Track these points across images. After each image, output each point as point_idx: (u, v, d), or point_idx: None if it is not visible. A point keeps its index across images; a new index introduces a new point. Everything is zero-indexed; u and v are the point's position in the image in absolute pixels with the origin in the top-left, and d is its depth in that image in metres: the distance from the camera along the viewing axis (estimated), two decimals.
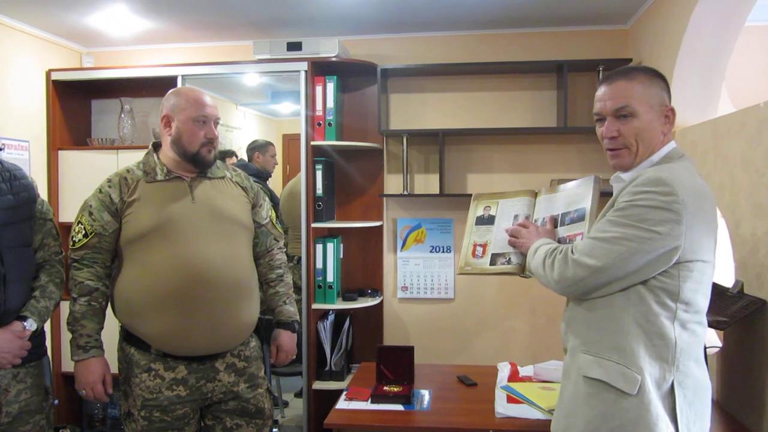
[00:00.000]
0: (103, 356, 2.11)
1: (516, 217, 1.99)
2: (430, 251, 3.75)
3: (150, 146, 2.23)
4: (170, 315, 2.04)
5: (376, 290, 3.73)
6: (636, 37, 3.47)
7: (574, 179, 1.94)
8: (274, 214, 2.44)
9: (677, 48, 2.78)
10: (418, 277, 3.76)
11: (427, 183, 3.75)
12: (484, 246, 2.00)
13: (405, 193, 3.63)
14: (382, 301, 3.76)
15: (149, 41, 3.87)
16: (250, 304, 2.21)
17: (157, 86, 3.52)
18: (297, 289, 3.46)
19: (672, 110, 1.63)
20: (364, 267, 3.81)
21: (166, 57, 3.92)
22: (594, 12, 3.36)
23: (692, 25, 2.67)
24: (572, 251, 1.59)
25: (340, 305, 3.49)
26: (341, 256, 3.66)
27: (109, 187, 2.11)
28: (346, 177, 3.81)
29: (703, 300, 1.56)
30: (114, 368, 2.15)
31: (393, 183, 3.78)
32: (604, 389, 1.55)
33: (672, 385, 1.52)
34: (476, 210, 2.12)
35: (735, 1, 2.56)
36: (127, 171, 2.15)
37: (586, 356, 1.60)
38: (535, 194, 2.04)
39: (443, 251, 3.74)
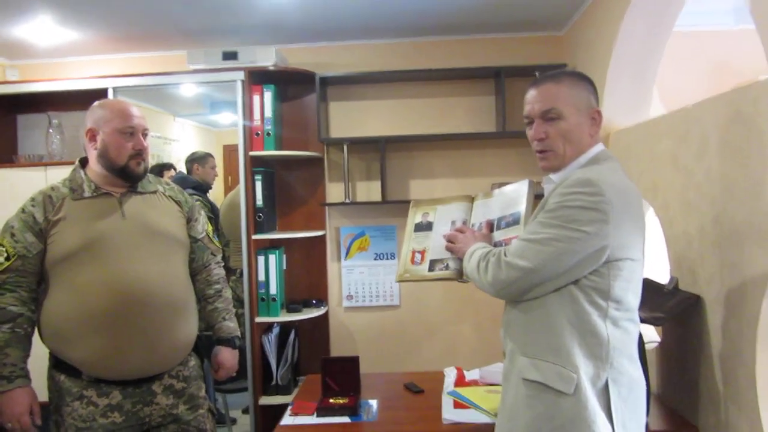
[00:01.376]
0: (30, 386, 1.98)
1: (453, 222, 1.98)
2: (375, 259, 3.72)
3: (76, 162, 2.13)
4: (102, 338, 1.94)
5: (321, 300, 3.68)
6: (570, 43, 3.53)
7: (511, 182, 1.95)
8: (210, 228, 2.37)
9: (609, 53, 2.83)
10: (363, 285, 3.72)
11: (370, 190, 3.72)
12: (422, 252, 1.98)
13: (347, 201, 3.59)
14: (327, 311, 3.71)
15: (77, 53, 3.73)
16: (187, 323, 2.13)
17: (87, 99, 3.31)
18: (240, 302, 3.39)
19: (598, 112, 1.65)
20: (308, 277, 3.76)
21: (97, 69, 3.78)
22: (529, 19, 3.41)
23: (623, 31, 2.73)
24: (505, 254, 1.60)
25: (285, 317, 3.43)
26: (284, 268, 3.59)
27: (33, 206, 2.00)
28: (287, 187, 3.75)
29: (633, 298, 1.58)
30: (43, 396, 2.03)
31: (335, 191, 3.74)
32: (542, 390, 1.56)
33: (606, 383, 1.53)
34: (415, 217, 2.10)
35: (662, 8, 2.62)
36: (52, 189, 2.04)
37: (524, 359, 1.61)
38: (472, 199, 2.03)
39: (387, 258, 3.72)
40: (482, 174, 3.69)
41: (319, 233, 3.64)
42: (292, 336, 3.44)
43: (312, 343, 3.71)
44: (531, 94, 1.68)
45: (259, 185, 3.39)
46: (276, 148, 3.45)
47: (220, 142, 4.51)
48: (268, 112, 3.41)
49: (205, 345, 2.36)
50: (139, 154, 2.06)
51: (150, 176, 2.19)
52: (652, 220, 2.62)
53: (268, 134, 3.41)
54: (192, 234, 2.25)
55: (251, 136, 3.41)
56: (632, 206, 1.55)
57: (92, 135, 2.06)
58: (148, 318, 1.99)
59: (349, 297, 3.73)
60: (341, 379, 2.54)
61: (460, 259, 1.83)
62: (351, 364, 2.58)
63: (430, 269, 1.93)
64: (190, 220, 2.25)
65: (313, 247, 3.74)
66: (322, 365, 2.56)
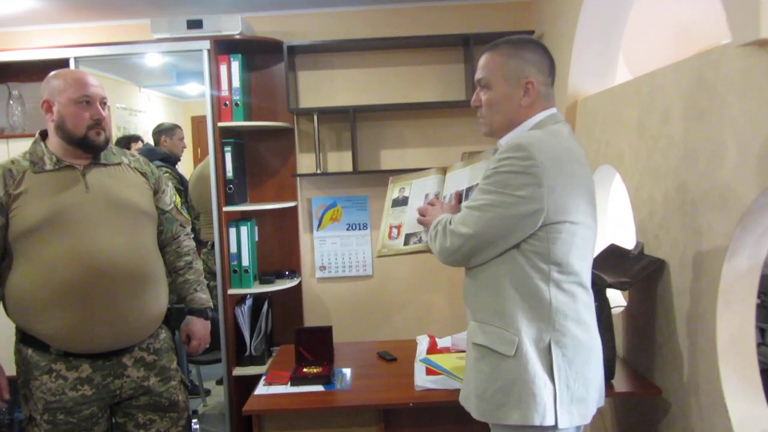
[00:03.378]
0: None
1: (427, 196, 2.02)
2: (347, 229, 3.72)
3: (37, 134, 2.08)
4: (69, 312, 1.92)
5: (294, 271, 3.68)
6: (538, 10, 3.52)
7: (483, 151, 1.97)
8: (179, 200, 2.35)
9: (576, 19, 2.83)
10: (335, 255, 3.73)
11: (341, 161, 3.70)
12: (398, 227, 2.03)
13: (318, 171, 3.58)
14: (300, 282, 3.71)
15: (37, 21, 3.61)
16: (157, 295, 2.13)
17: (48, 70, 3.19)
18: (212, 275, 3.38)
19: (531, 83, 1.65)
20: (280, 249, 3.75)
21: (58, 38, 3.67)
22: None
23: None
24: (450, 222, 1.65)
25: (258, 289, 3.42)
26: (256, 239, 3.58)
27: None
28: (258, 158, 3.72)
29: (578, 261, 1.61)
30: (10, 371, 2.02)
31: (305, 162, 3.71)
32: (487, 354, 1.62)
33: (549, 344, 1.58)
34: (392, 193, 2.15)
35: None
36: (12, 162, 2.00)
37: (474, 323, 1.68)
38: (445, 171, 2.06)
39: (360, 228, 3.72)
40: (453, 143, 3.69)
41: (291, 204, 3.62)
42: (265, 307, 3.44)
43: (285, 314, 3.72)
44: (479, 61, 1.74)
45: (228, 157, 3.35)
46: (245, 119, 3.40)
47: (187, 113, 4.44)
48: (236, 82, 3.35)
49: (176, 318, 2.36)
50: (98, 123, 2.02)
51: (114, 148, 2.16)
52: (618, 187, 2.66)
53: (237, 105, 3.36)
54: (159, 206, 2.23)
55: (219, 106, 3.36)
56: (569, 168, 1.57)
57: (48, 107, 2.02)
58: (116, 291, 1.97)
59: (322, 268, 3.73)
60: (315, 349, 2.57)
61: None
62: (324, 333, 2.60)
63: (405, 243, 1.98)
64: (157, 192, 2.22)
65: (285, 218, 3.72)
66: (295, 335, 2.58)
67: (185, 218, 2.36)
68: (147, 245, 2.13)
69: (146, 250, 2.11)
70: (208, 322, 2.34)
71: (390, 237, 2.03)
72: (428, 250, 1.90)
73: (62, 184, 1.99)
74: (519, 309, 1.58)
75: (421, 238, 1.93)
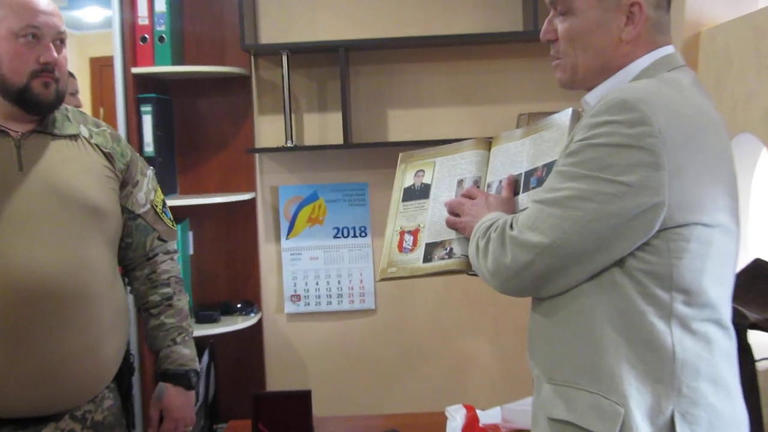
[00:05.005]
0: None
1: (460, 182, 2.00)
2: (335, 236, 3.74)
3: None
4: None
5: (251, 303, 3.70)
6: None
7: (554, 112, 1.94)
8: (160, 198, 2.39)
9: None
10: (316, 278, 3.74)
11: (324, 127, 3.73)
12: (414, 233, 2.01)
13: (289, 144, 3.58)
14: (260, 321, 3.73)
15: None
16: (110, 337, 2.15)
17: None
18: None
19: (638, 4, 1.62)
20: (228, 267, 3.78)
21: None
22: None
23: None
24: (511, 225, 1.62)
25: (194, 331, 3.42)
26: (190, 252, 3.62)
27: None
28: (194, 124, 3.75)
29: (714, 286, 1.58)
30: None
31: (269, 130, 3.74)
32: None
33: (672, 419, 1.54)
34: (404, 179, 2.13)
35: None
36: None
37: (549, 387, 1.64)
38: (490, 145, 2.04)
39: (355, 234, 3.74)
40: (504, 99, 3.70)
41: (246, 197, 3.65)
42: (205, 360, 3.47)
43: (237, 370, 3.75)
44: None
45: (147, 121, 3.38)
46: (174, 62, 3.44)
47: (84, 52, 4.44)
48: (161, 5, 3.37)
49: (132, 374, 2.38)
50: (48, 70, 2.05)
51: (73, 112, 2.21)
52: (764, 167, 2.65)
53: (162, 39, 3.38)
54: (128, 205, 2.27)
55: (134, 42, 3.39)
56: (704, 139, 1.55)
57: None
58: (48, 325, 2.00)
59: (295, 297, 3.75)
60: (284, 426, 2.57)
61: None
62: (298, 402, 2.61)
63: (427, 258, 1.95)
64: (125, 184, 2.26)
65: (237, 218, 3.75)
66: (252, 405, 2.59)
67: (168, 227, 2.39)
68: (101, 262, 2.15)
69: (100, 268, 2.13)
70: (192, 393, 2.36)
71: (401, 249, 2.01)
72: (464, 270, 1.88)
73: None
74: (625, 363, 1.55)
75: (452, 250, 1.91)
